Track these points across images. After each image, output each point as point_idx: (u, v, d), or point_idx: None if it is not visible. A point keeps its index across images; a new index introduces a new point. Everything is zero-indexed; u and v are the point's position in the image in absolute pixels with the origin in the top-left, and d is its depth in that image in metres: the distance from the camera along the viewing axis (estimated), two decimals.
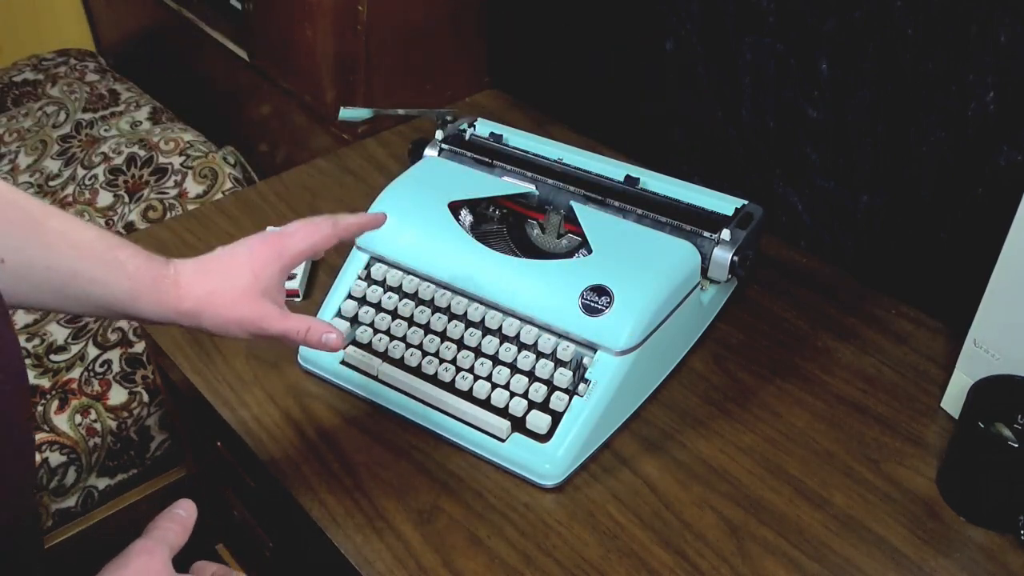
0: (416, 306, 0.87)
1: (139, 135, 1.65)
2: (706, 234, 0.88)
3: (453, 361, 0.84)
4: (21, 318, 1.38)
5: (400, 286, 0.88)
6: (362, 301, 0.90)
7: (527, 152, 1.01)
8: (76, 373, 1.32)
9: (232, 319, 0.67)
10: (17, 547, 0.63)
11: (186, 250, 1.05)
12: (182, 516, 0.57)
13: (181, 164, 1.56)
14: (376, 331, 0.87)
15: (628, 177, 0.96)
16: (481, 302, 0.85)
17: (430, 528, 0.76)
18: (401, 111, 1.10)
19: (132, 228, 1.52)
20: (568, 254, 0.91)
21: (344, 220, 0.72)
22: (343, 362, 0.87)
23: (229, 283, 0.67)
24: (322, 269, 1.03)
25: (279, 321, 0.68)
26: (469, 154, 1.00)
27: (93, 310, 0.66)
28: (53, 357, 1.34)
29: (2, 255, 0.60)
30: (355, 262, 0.91)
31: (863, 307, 0.97)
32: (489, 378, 0.82)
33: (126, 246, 0.66)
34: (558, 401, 0.79)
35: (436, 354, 0.85)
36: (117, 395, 1.31)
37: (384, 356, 0.86)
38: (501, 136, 1.04)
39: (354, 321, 0.89)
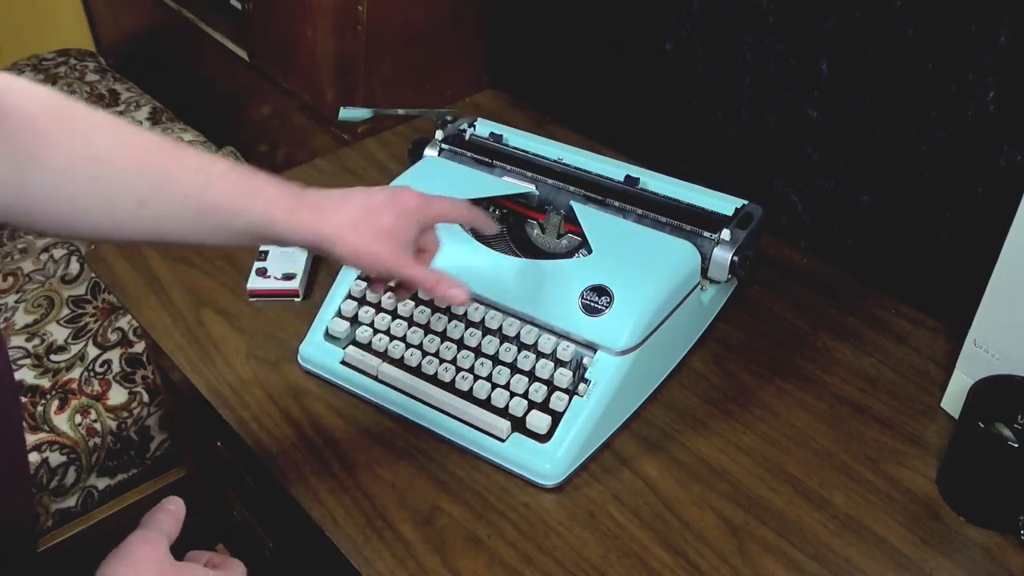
0: (416, 306, 0.87)
1: None
2: (706, 234, 0.88)
3: (453, 361, 0.84)
4: (21, 318, 1.38)
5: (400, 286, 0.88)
6: (362, 301, 0.90)
7: (527, 152, 1.01)
8: (76, 373, 1.32)
9: (370, 252, 0.68)
10: (17, 547, 0.63)
11: (186, 250, 1.05)
12: (173, 510, 0.59)
13: None
14: (376, 331, 0.87)
15: (628, 177, 0.96)
16: (481, 302, 0.85)
17: (430, 528, 0.76)
18: (401, 111, 1.10)
19: None
20: (568, 254, 0.91)
21: (477, 210, 0.78)
22: (343, 362, 0.87)
23: (372, 218, 0.68)
24: (322, 269, 1.03)
25: (412, 267, 0.70)
26: (469, 154, 1.00)
27: (230, 238, 0.67)
28: (53, 357, 1.34)
29: (144, 196, 0.62)
30: None
31: (863, 307, 0.97)
32: (489, 378, 0.82)
33: (258, 175, 0.67)
34: (558, 401, 0.79)
35: (436, 354, 0.85)
36: (117, 395, 1.31)
37: (384, 356, 0.86)
38: (501, 136, 1.04)
39: (354, 321, 0.89)
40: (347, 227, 0.67)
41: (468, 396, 0.82)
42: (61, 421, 1.27)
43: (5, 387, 0.59)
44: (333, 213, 0.67)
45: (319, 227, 0.67)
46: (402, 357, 0.85)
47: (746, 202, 0.92)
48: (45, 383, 1.30)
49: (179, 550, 0.58)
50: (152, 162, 0.63)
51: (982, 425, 0.74)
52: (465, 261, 0.85)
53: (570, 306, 0.80)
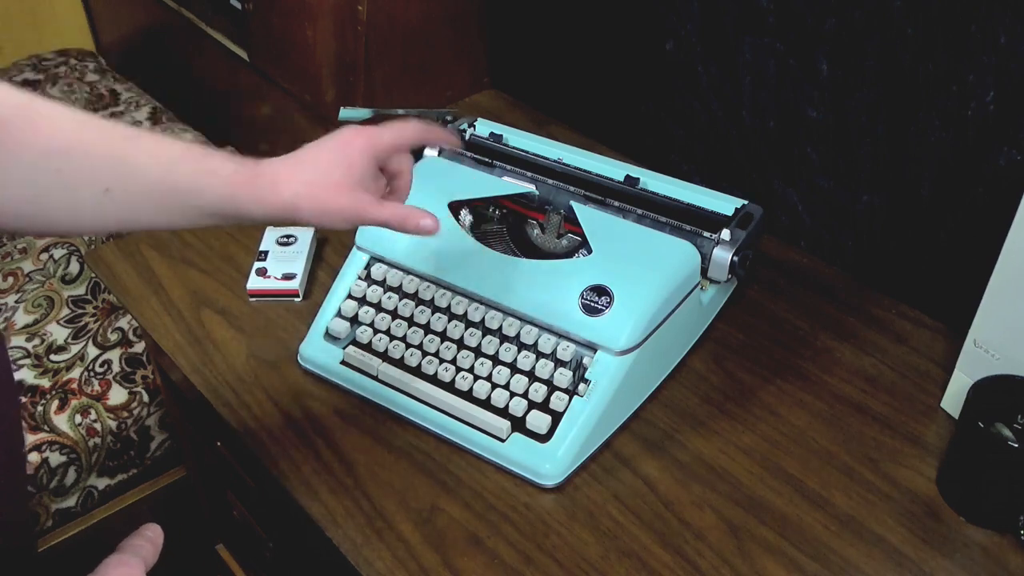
0: (416, 306, 0.87)
1: None
2: (706, 234, 0.88)
3: (453, 361, 0.84)
4: (21, 318, 1.38)
5: (400, 286, 0.88)
6: (362, 301, 0.90)
7: (527, 152, 1.01)
8: (76, 373, 1.32)
9: (332, 209, 0.68)
10: (17, 547, 0.63)
11: (186, 250, 1.05)
12: (151, 536, 0.58)
13: None
14: (376, 331, 0.87)
15: (628, 177, 0.96)
16: (481, 302, 0.85)
17: (430, 528, 0.76)
18: (401, 111, 1.09)
19: None
20: (568, 254, 0.91)
21: (431, 127, 0.77)
22: (343, 362, 0.87)
23: (325, 175, 0.69)
24: (322, 269, 1.03)
25: (378, 209, 0.70)
26: (469, 154, 1.00)
27: (197, 219, 0.67)
28: (53, 357, 1.34)
29: (106, 185, 0.62)
30: (355, 262, 0.91)
31: (863, 307, 0.97)
32: (489, 378, 0.82)
33: (215, 154, 0.67)
34: (558, 401, 0.79)
35: (436, 354, 0.85)
36: (117, 395, 1.31)
37: (384, 356, 0.86)
38: (501, 136, 1.04)
39: (354, 321, 0.89)
40: (304, 191, 0.67)
41: (468, 396, 0.82)
42: (61, 421, 1.27)
43: (5, 386, 0.59)
44: (292, 181, 0.68)
45: (278, 198, 0.67)
46: (402, 357, 0.85)
47: (746, 202, 0.92)
48: (45, 383, 1.30)
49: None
50: (112, 150, 0.63)
51: (982, 425, 0.74)
52: (465, 261, 0.85)
53: (570, 306, 0.80)
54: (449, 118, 1.05)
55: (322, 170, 0.69)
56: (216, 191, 0.66)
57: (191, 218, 0.67)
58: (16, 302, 1.41)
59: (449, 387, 0.83)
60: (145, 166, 0.64)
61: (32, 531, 0.82)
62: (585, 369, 0.80)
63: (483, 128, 1.05)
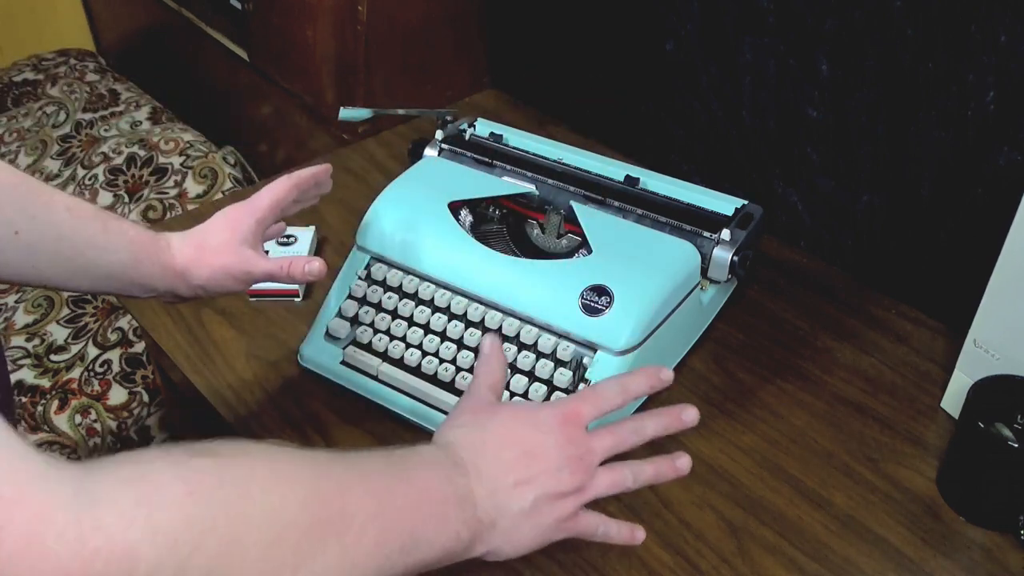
0: (416, 306, 0.87)
1: (139, 135, 1.65)
2: (706, 234, 0.88)
3: (453, 361, 0.84)
4: (21, 318, 1.38)
5: (400, 286, 0.88)
6: (362, 301, 0.90)
7: (527, 152, 1.01)
8: (76, 373, 1.32)
9: (219, 267, 0.75)
10: None
11: None
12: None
13: (181, 164, 1.56)
14: (376, 331, 0.87)
15: (628, 177, 0.96)
16: (481, 302, 0.85)
17: None
18: (401, 111, 1.10)
19: None
20: (568, 254, 0.91)
21: (297, 173, 0.81)
22: (343, 362, 0.87)
23: (210, 240, 0.76)
24: None
25: (262, 262, 0.76)
26: (469, 154, 1.00)
27: (98, 281, 0.72)
28: (53, 357, 1.34)
29: (16, 227, 0.65)
30: (355, 262, 0.91)
31: (863, 307, 0.97)
32: None
33: (120, 218, 0.74)
34: None
35: (436, 354, 0.85)
36: (117, 395, 1.31)
37: (384, 356, 0.86)
38: (501, 136, 1.04)
39: (354, 321, 0.89)
40: (194, 256, 0.75)
41: None
42: (61, 421, 1.27)
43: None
44: (183, 248, 0.75)
45: (174, 264, 0.74)
46: (402, 357, 0.85)
47: (746, 202, 0.93)
48: (45, 383, 1.30)
49: None
50: (26, 197, 0.66)
51: (982, 425, 0.74)
52: (465, 261, 0.85)
53: (570, 306, 0.80)
54: (449, 118, 1.05)
55: (209, 237, 0.76)
56: (123, 251, 0.71)
57: (92, 279, 0.71)
58: (16, 302, 1.41)
59: (449, 387, 0.83)
60: (59, 217, 0.68)
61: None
62: (585, 369, 0.80)
63: (483, 128, 1.05)
